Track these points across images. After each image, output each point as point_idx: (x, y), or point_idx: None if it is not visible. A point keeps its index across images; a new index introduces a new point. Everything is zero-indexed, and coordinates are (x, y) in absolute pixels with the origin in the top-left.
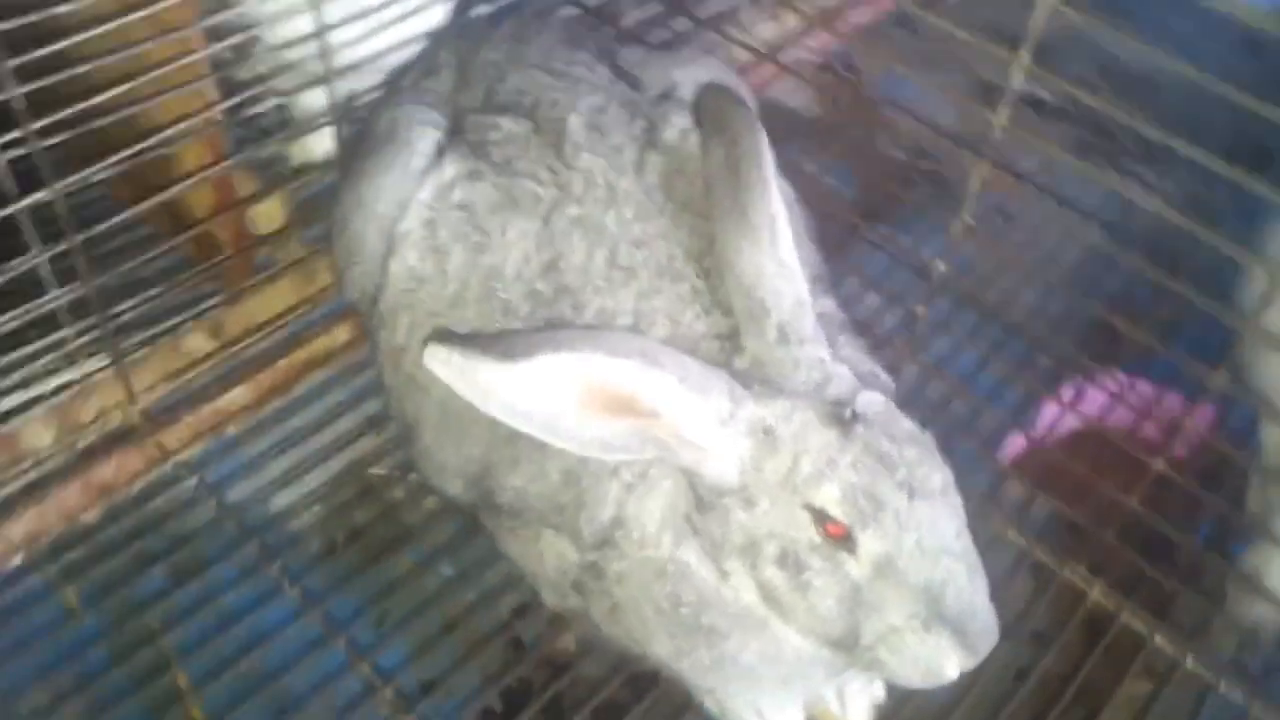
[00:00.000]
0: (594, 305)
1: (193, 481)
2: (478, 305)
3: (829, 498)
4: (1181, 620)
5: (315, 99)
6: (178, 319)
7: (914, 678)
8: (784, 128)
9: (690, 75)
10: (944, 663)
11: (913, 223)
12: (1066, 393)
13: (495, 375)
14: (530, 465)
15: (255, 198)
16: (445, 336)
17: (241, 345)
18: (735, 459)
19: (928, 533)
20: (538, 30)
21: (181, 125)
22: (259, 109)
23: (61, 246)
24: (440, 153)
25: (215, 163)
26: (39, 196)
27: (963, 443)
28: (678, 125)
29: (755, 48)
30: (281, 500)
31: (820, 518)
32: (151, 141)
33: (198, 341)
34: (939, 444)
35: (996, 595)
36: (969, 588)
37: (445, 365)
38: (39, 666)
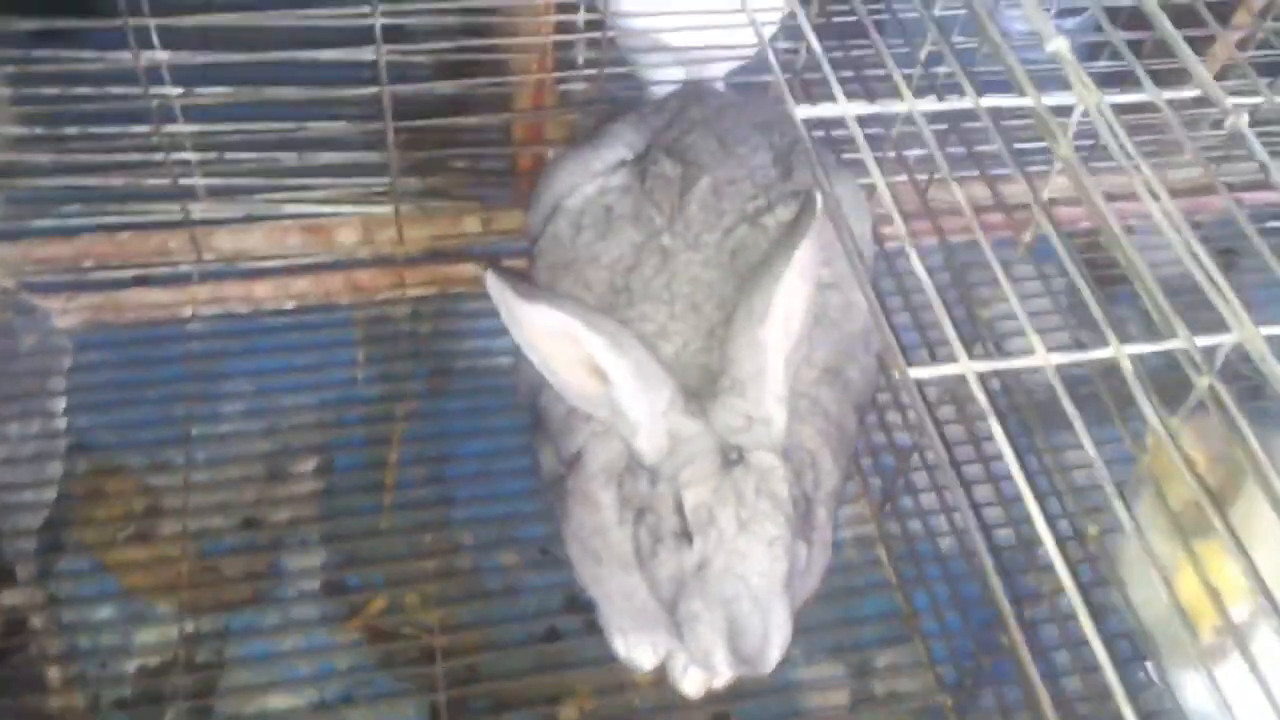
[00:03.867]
0: (639, 308)
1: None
2: (577, 274)
3: (689, 501)
4: None
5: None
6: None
7: (695, 657)
8: None
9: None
10: (715, 657)
11: None
12: None
13: (512, 307)
14: (553, 390)
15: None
16: (498, 269)
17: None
18: (655, 446)
19: (738, 561)
20: (741, 108)
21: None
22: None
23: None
24: (620, 165)
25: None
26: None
27: None
28: (781, 216)
29: None
30: None
31: (680, 512)
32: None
33: (472, 224)
34: None
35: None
36: (750, 616)
37: (491, 288)
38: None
